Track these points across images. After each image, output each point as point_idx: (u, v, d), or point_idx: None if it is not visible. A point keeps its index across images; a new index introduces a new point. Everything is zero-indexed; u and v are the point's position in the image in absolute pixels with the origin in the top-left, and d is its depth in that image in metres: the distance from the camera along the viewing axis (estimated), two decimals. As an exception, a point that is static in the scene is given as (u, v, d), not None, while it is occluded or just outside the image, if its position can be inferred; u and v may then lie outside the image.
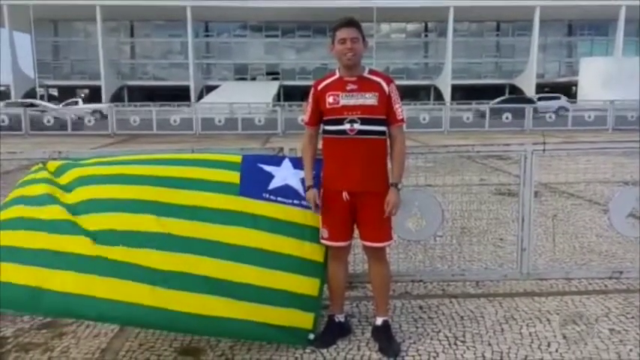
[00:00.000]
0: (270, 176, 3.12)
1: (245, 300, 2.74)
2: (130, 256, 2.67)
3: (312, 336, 2.94)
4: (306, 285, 2.93)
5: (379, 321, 3.03)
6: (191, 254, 2.74)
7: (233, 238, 2.86)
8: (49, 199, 2.93)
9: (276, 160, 3.24)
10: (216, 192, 3.00)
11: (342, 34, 2.82)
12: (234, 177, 3.08)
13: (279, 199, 3.05)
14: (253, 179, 3.09)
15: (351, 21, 2.85)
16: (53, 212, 2.84)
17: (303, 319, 2.91)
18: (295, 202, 3.06)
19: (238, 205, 2.98)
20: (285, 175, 3.13)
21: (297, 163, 3.17)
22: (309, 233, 3.02)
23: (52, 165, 3.28)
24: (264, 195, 3.04)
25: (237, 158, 3.22)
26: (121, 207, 2.86)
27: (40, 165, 3.29)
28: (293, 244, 2.96)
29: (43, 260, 2.64)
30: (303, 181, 3.09)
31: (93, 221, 2.80)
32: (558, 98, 36.29)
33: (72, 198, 2.97)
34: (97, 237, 2.73)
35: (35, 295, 2.55)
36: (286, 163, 3.20)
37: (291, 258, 2.93)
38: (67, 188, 3.04)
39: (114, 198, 2.91)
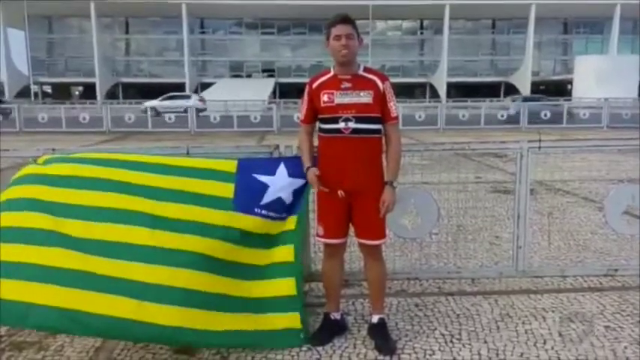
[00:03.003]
0: (265, 187, 3.07)
1: (228, 311, 2.77)
2: (118, 270, 2.63)
3: (302, 335, 2.93)
4: (282, 287, 2.94)
5: (375, 319, 3.03)
6: (179, 268, 2.70)
7: (219, 252, 2.85)
8: (34, 204, 2.85)
9: (272, 168, 3.17)
10: (209, 207, 2.94)
11: (336, 30, 2.80)
12: (228, 190, 3.03)
13: (270, 214, 3.04)
14: (247, 192, 3.05)
15: (345, 17, 2.83)
16: (38, 220, 2.76)
17: (289, 320, 2.92)
18: (284, 215, 3.08)
19: (231, 221, 2.94)
20: (279, 185, 3.09)
21: (292, 168, 3.13)
22: (282, 239, 3.04)
23: (42, 159, 3.23)
24: (256, 210, 3.02)
25: (232, 166, 3.14)
26: (113, 217, 2.80)
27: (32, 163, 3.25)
28: (267, 254, 3.00)
29: (31, 274, 2.58)
30: (295, 192, 3.10)
31: (83, 229, 2.75)
32: (188, 97, 32.78)
33: (62, 197, 2.89)
34: (86, 247, 2.68)
35: (22, 309, 2.49)
36: (281, 169, 3.15)
37: (263, 267, 2.97)
38: (58, 183, 2.96)
39: (106, 207, 2.84)
